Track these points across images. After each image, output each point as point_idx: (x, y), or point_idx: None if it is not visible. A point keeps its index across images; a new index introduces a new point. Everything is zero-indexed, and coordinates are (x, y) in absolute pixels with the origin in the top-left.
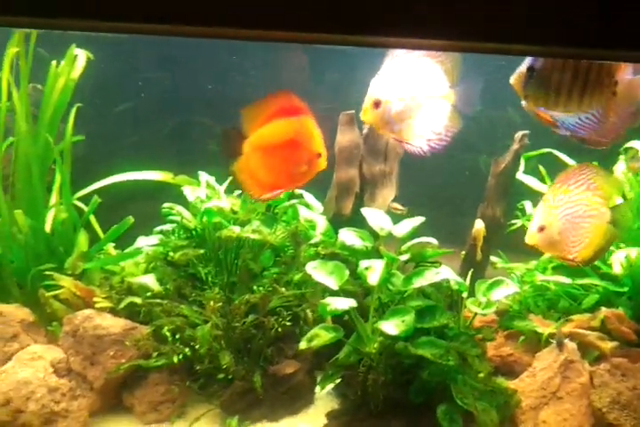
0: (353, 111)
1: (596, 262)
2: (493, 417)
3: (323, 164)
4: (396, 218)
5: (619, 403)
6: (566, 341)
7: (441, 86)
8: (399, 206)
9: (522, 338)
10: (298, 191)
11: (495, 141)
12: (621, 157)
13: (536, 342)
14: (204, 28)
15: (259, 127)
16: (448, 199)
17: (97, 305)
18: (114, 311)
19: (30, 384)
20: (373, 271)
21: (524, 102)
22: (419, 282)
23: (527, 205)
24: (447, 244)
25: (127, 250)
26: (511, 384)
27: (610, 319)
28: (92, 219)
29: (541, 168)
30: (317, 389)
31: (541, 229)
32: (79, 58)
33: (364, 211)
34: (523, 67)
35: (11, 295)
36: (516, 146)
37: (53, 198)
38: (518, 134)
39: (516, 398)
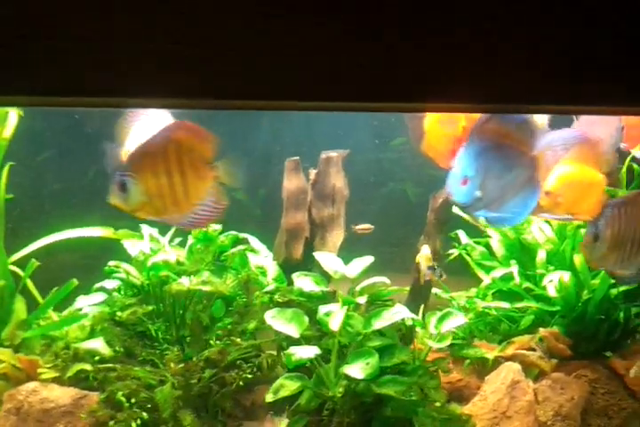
0: (298, 158)
1: (530, 285)
2: None
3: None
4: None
5: (561, 415)
6: (510, 363)
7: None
8: (364, 226)
9: (467, 362)
10: (242, 235)
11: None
12: None
13: (481, 365)
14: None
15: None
16: (384, 234)
17: (42, 376)
18: (60, 381)
19: None
20: (334, 317)
21: None
22: (378, 324)
23: (461, 234)
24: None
25: (67, 311)
26: (465, 409)
27: (547, 338)
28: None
29: None
30: None
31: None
32: (10, 116)
33: (317, 255)
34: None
35: None
36: None
37: None
38: None
39: (471, 422)
